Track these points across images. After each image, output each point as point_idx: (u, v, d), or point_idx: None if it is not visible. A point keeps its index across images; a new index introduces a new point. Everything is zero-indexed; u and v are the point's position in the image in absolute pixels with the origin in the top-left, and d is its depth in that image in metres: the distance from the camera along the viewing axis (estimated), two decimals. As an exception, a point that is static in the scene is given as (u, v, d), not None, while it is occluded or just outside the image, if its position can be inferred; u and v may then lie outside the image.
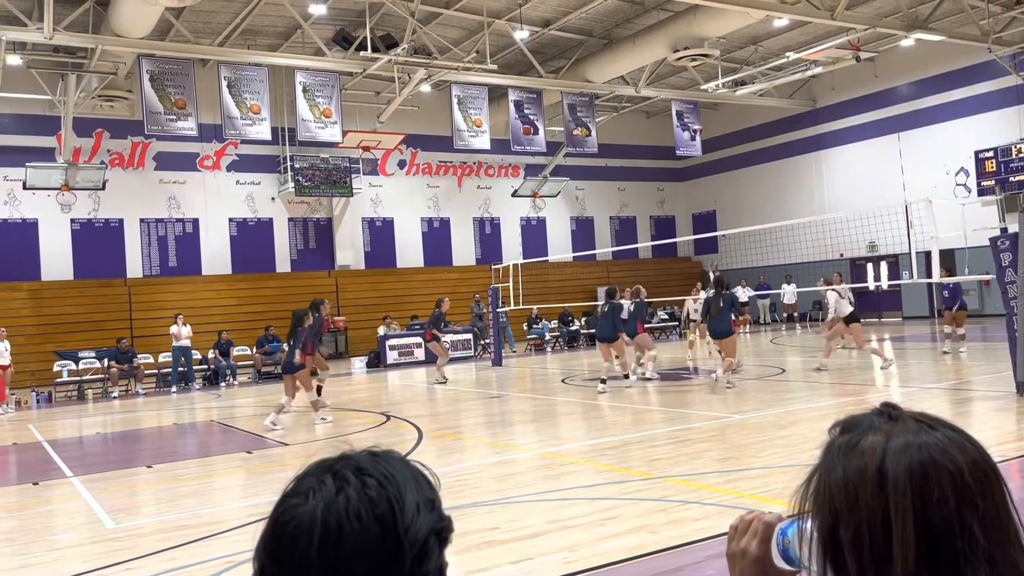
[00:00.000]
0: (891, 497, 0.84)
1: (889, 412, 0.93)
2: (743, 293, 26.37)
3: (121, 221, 22.52)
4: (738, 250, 27.61)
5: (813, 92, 27.54)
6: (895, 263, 25.12)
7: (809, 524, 0.93)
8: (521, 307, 21.22)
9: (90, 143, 21.98)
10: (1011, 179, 22.44)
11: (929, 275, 13.26)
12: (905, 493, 0.84)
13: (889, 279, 25.59)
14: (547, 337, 23.83)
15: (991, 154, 23.06)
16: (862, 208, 22.08)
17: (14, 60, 18.37)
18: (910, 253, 14.62)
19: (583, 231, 29.86)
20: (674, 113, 24.83)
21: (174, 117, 17.92)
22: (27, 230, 21.41)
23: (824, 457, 0.93)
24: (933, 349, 16.76)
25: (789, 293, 24.92)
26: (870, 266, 26.68)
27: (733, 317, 12.77)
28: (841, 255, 25.28)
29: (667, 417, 10.00)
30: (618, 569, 4.47)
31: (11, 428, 13.13)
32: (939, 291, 16.11)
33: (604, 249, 28.14)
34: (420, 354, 21.15)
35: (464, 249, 27.47)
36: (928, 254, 12.71)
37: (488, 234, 28.00)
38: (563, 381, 15.26)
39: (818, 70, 22.89)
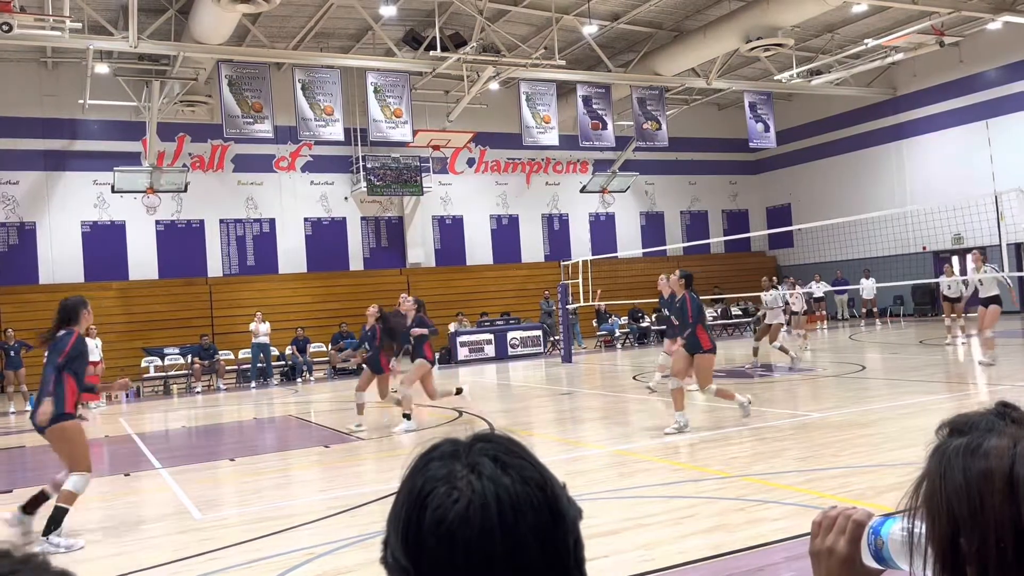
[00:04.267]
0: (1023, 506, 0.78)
1: (1009, 413, 0.86)
2: (816, 288, 25.71)
3: (202, 222, 23.30)
4: (814, 244, 26.90)
5: (893, 80, 26.59)
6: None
7: (918, 528, 0.88)
8: (590, 303, 21.14)
9: (173, 147, 22.81)
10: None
11: (1020, 268, 12.67)
12: None
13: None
14: (617, 333, 23.68)
15: (1087, 140, 21.89)
16: (946, 199, 21.23)
17: (102, 69, 19.22)
18: (1000, 245, 13.99)
19: (653, 226, 29.53)
20: (747, 105, 24.32)
21: (251, 120, 18.44)
22: (116, 232, 22.35)
23: (936, 461, 0.86)
24: (1024, 345, 16.01)
25: (868, 288, 24.15)
26: (955, 259, 25.64)
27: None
28: (924, 248, 24.37)
29: (743, 414, 9.80)
30: (695, 568, 4.42)
31: (103, 422, 13.74)
32: None
33: (675, 245, 27.77)
34: (491, 350, 21.28)
35: (533, 246, 27.49)
36: (1019, 246, 12.15)
37: (557, 231, 27.95)
38: (634, 378, 15.13)
39: (899, 57, 22.09)
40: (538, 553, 0.78)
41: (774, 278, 15.62)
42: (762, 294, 15.11)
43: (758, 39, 19.20)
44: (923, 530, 0.86)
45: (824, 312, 26.34)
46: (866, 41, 21.17)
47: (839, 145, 28.61)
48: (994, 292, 12.49)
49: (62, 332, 6.03)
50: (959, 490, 0.82)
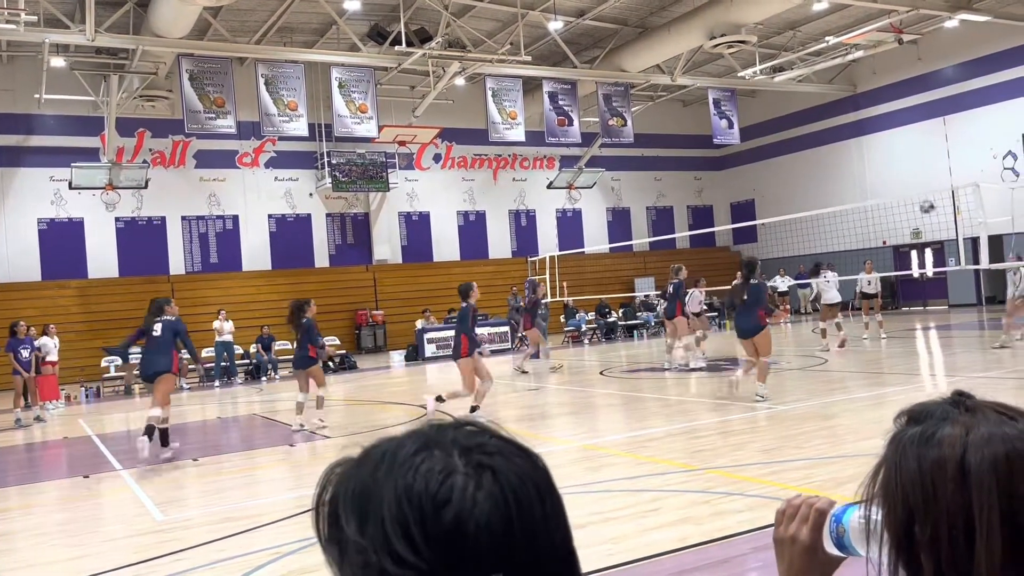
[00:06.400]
0: (975, 494, 0.78)
1: (963, 401, 0.86)
2: (782, 282, 26.04)
3: (163, 219, 22.93)
4: (777, 239, 27.23)
5: (853, 77, 27.01)
6: (940, 250, 24.58)
7: (874, 516, 0.88)
8: (557, 299, 21.21)
9: (132, 143, 22.40)
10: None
11: (976, 261, 12.96)
12: (990, 490, 0.78)
13: (934, 266, 25.05)
14: (583, 329, 23.77)
15: (1040, 136, 22.42)
16: (906, 194, 21.62)
17: (58, 62, 18.79)
18: (957, 239, 14.28)
19: (619, 222, 29.68)
20: (711, 101, 24.54)
21: (213, 115, 18.17)
22: (74, 229, 21.90)
23: (892, 449, 0.87)
24: (981, 338, 16.39)
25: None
26: (914, 253, 26.15)
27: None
28: (884, 242, 24.80)
29: (709, 408, 9.90)
30: (661, 561, 4.45)
31: (62, 423, 13.46)
32: None
33: (641, 240, 27.94)
34: (458, 347, 21.21)
35: (500, 242, 27.49)
36: (975, 240, 12.42)
37: (524, 227, 27.97)
38: (601, 373, 15.21)
39: (859, 54, 22.43)
40: (546, 545, 0.75)
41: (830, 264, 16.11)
42: (823, 276, 15.57)
43: (722, 36, 19.38)
44: (880, 517, 0.87)
45: (787, 306, 26.71)
46: (827, 39, 21.46)
47: (801, 141, 29.01)
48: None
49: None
50: (913, 478, 0.83)
